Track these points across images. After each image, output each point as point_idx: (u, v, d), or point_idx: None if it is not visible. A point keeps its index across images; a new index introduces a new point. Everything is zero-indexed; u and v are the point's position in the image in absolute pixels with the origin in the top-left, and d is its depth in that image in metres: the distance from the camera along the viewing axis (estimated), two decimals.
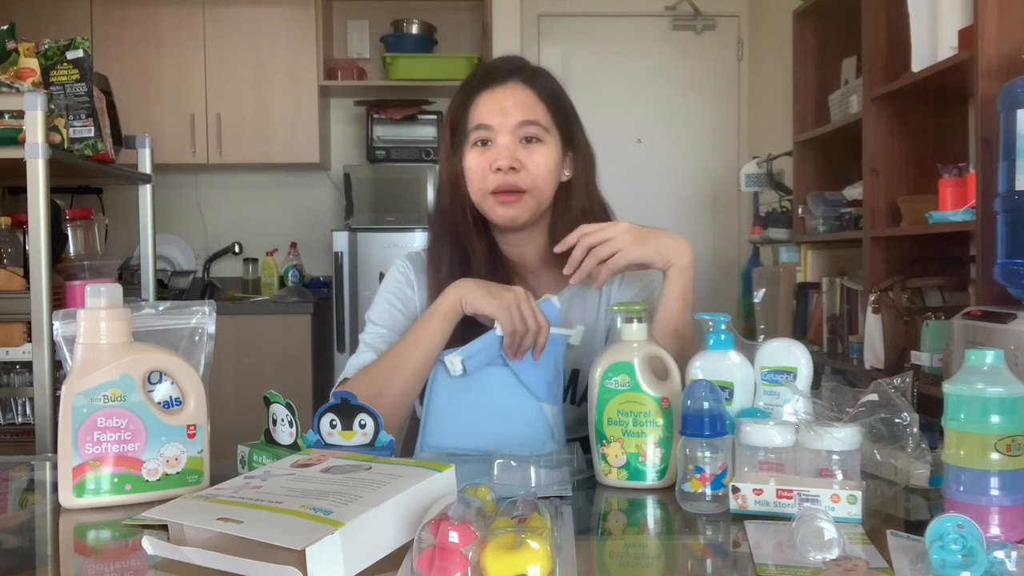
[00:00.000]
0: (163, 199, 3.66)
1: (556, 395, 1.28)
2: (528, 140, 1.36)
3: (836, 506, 0.91)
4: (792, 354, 1.10)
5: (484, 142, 1.37)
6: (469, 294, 1.27)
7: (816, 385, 1.11)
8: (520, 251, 1.44)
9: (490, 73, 1.40)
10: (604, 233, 1.28)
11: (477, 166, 1.37)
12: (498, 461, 1.09)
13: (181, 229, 4.43)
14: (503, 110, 1.36)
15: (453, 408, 1.28)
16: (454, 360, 1.25)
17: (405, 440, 1.51)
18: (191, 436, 1.03)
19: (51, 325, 1.78)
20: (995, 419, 0.84)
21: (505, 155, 1.34)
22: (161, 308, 1.14)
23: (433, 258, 1.43)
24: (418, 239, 3.99)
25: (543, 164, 1.36)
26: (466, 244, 1.40)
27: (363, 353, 1.39)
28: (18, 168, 1.93)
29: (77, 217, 2.40)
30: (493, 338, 1.25)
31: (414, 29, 4.32)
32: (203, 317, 1.15)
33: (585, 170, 1.44)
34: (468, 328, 1.29)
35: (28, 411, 2.28)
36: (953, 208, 2.27)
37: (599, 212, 1.45)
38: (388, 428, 1.11)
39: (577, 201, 1.42)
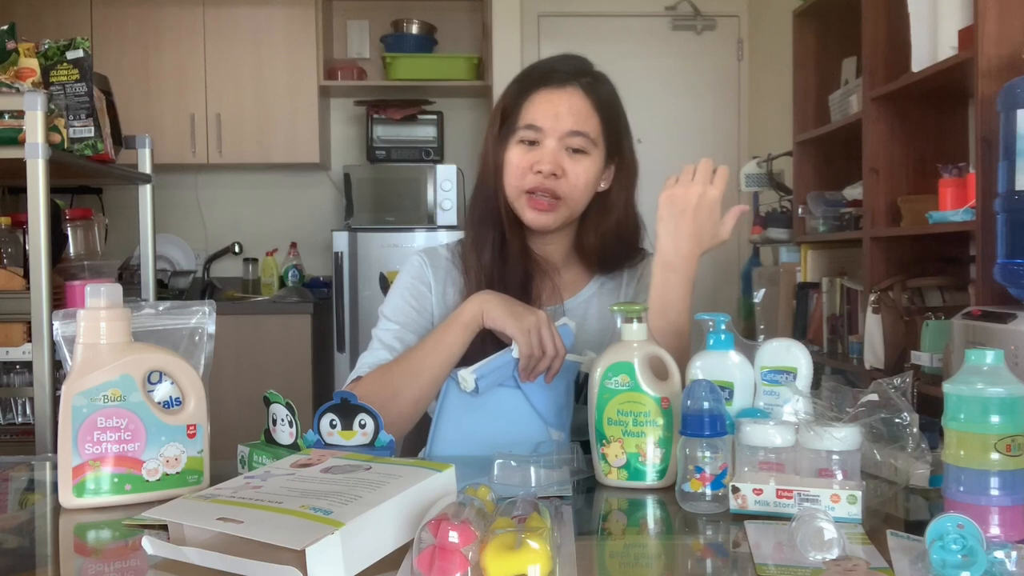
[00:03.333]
0: (163, 199, 3.67)
1: (565, 421, 1.28)
2: (574, 150, 1.36)
3: (836, 506, 0.91)
4: (792, 354, 1.10)
5: (531, 141, 1.36)
6: (492, 309, 1.27)
7: (816, 385, 1.11)
8: (544, 249, 1.45)
9: (550, 72, 1.38)
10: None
11: (519, 163, 1.36)
12: (498, 461, 1.09)
13: (181, 229, 4.43)
14: (557, 114, 1.35)
15: (462, 428, 1.28)
16: (467, 376, 1.24)
17: (407, 447, 1.51)
18: (191, 436, 1.03)
19: (51, 325, 1.78)
20: (995, 419, 0.84)
21: (549, 159, 1.34)
22: (161, 308, 1.13)
23: (476, 241, 1.41)
24: (418, 239, 3.99)
25: (584, 176, 1.36)
26: (506, 232, 1.40)
27: (376, 351, 1.38)
28: (18, 168, 1.93)
29: (77, 217, 2.40)
30: (508, 359, 1.25)
31: (414, 29, 4.32)
32: (203, 317, 1.15)
33: (627, 184, 1.44)
34: (485, 341, 1.29)
35: (28, 411, 2.28)
36: (953, 208, 2.27)
37: (633, 227, 1.46)
38: (398, 432, 1.10)
39: (614, 214, 1.43)
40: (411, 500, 0.82)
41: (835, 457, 0.94)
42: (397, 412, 1.24)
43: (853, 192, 2.90)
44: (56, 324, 1.08)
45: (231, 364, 3.73)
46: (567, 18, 4.38)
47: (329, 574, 0.73)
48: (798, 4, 3.24)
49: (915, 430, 1.07)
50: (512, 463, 1.08)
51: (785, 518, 0.89)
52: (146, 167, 2.52)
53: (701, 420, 0.97)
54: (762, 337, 1.53)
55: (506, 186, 1.38)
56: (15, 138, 1.94)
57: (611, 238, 1.43)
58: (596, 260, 1.44)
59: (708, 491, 0.97)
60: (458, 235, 1.65)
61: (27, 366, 2.09)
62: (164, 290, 4.09)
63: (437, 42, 4.41)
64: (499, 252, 1.39)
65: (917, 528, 0.83)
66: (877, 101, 2.67)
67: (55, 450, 1.02)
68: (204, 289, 4.29)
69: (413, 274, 1.46)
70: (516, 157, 1.37)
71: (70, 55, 2.08)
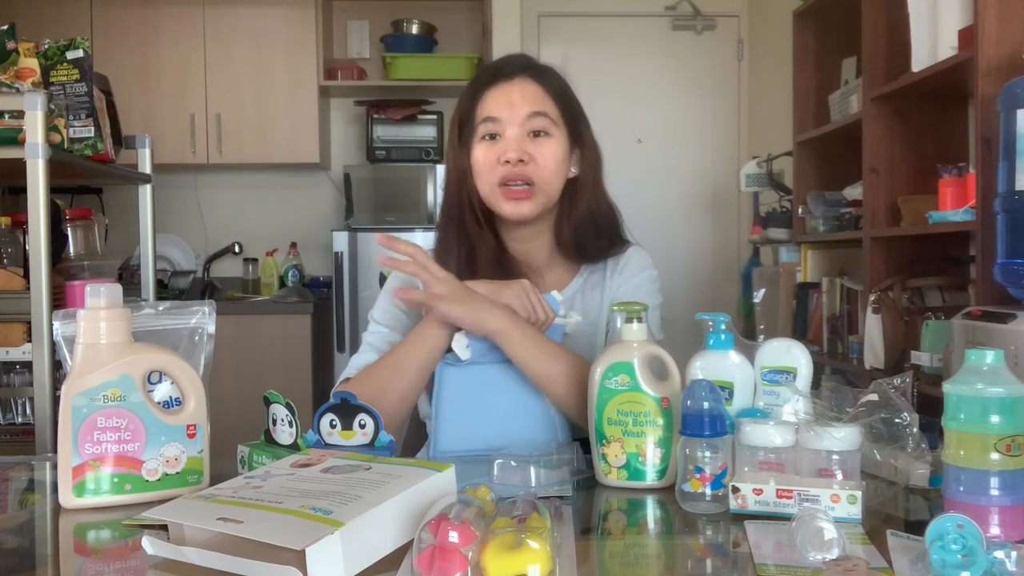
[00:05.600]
0: (163, 199, 3.67)
1: None
2: (537, 133, 1.36)
3: (836, 506, 0.91)
4: (792, 354, 1.10)
5: (492, 135, 1.37)
6: (477, 289, 1.28)
7: (816, 385, 1.11)
8: (525, 248, 1.45)
9: (498, 70, 1.40)
10: (433, 271, 1.26)
11: (485, 158, 1.37)
12: (498, 461, 1.09)
13: (181, 229, 4.43)
14: (511, 103, 1.36)
15: (462, 413, 1.29)
16: (460, 338, 1.27)
17: (407, 447, 1.51)
18: (191, 436, 1.03)
19: (51, 325, 1.78)
20: (995, 419, 0.84)
21: (514, 147, 1.35)
22: (161, 308, 1.13)
23: (441, 255, 1.43)
24: (418, 239, 3.99)
25: (551, 157, 1.37)
26: (473, 240, 1.40)
27: (365, 352, 1.39)
28: (18, 168, 1.93)
29: (77, 217, 2.40)
30: None
31: (414, 29, 4.32)
32: (203, 317, 1.15)
33: (593, 168, 1.44)
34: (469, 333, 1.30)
35: (28, 411, 2.28)
36: (953, 208, 2.27)
37: (606, 210, 1.46)
38: (388, 428, 1.11)
39: (585, 199, 1.43)
40: (411, 500, 0.82)
41: (835, 457, 0.94)
42: (385, 408, 1.24)
43: (853, 192, 2.90)
44: (56, 324, 1.08)
45: (231, 364, 3.73)
46: (567, 18, 4.38)
47: (329, 574, 0.73)
48: (798, 4, 3.24)
49: (915, 430, 1.07)
50: (512, 463, 1.08)
51: (785, 518, 0.89)
52: (146, 167, 2.52)
53: (701, 420, 0.97)
54: (762, 337, 1.53)
55: (479, 186, 1.39)
56: (15, 138, 1.94)
57: (587, 225, 1.43)
58: (576, 251, 1.44)
59: (708, 491, 0.97)
60: None
61: (27, 366, 2.09)
62: (164, 290, 4.09)
63: (437, 42, 4.41)
64: (465, 263, 1.39)
65: (917, 528, 0.83)
66: (877, 101, 2.67)
67: (55, 450, 1.02)
68: (204, 289, 4.29)
69: (402, 278, 1.46)
70: (481, 154, 1.37)
71: (70, 55, 2.08)
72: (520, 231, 1.43)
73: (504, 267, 1.40)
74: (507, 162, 1.35)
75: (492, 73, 1.40)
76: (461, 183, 1.41)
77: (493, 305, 1.26)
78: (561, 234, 1.44)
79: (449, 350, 1.29)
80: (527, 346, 1.25)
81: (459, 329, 1.28)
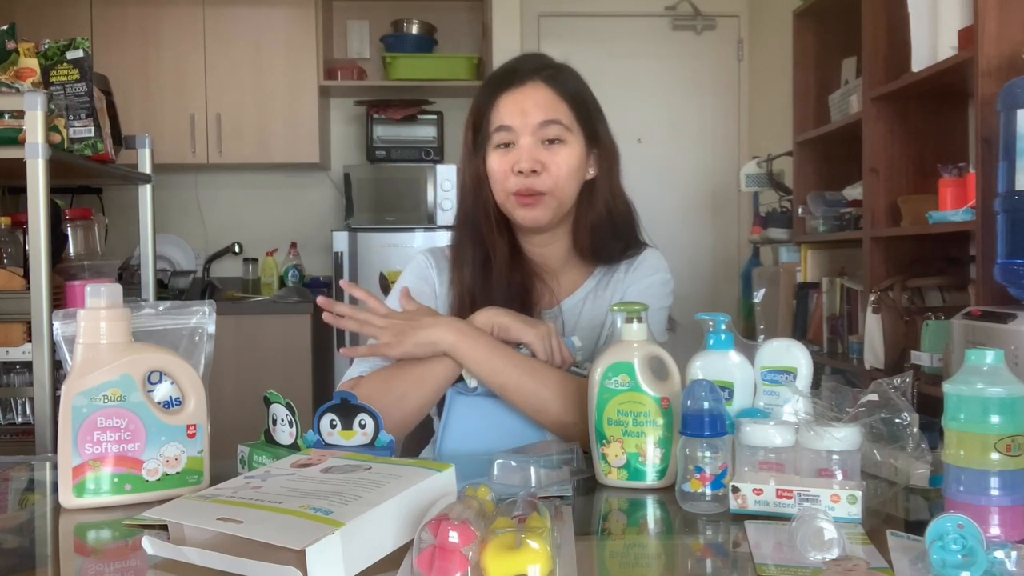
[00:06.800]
0: (163, 199, 3.67)
1: None
2: (551, 141, 1.36)
3: (836, 506, 0.91)
4: (792, 354, 1.10)
5: (506, 144, 1.37)
6: (502, 321, 1.28)
7: (816, 385, 1.11)
8: (542, 252, 1.45)
9: (511, 73, 1.39)
10: (374, 322, 1.27)
11: (499, 167, 1.37)
12: (498, 461, 1.09)
13: (181, 229, 4.43)
14: (524, 111, 1.35)
15: (467, 436, 1.29)
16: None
17: (408, 447, 1.51)
18: (191, 436, 1.03)
19: (51, 325, 1.78)
20: (995, 419, 0.84)
21: (526, 157, 1.34)
22: (161, 308, 1.13)
23: (456, 259, 1.43)
24: (418, 239, 3.99)
25: (564, 165, 1.36)
26: (488, 246, 1.40)
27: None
28: (18, 168, 1.93)
29: (77, 217, 2.40)
30: None
31: (414, 29, 4.32)
32: (203, 317, 1.15)
33: (609, 167, 1.43)
34: None
35: (28, 411, 2.28)
36: (953, 208, 2.27)
37: (623, 209, 1.45)
38: (399, 434, 1.11)
39: (602, 198, 1.42)
40: (411, 500, 0.82)
41: (835, 457, 0.94)
42: (401, 416, 1.24)
43: (853, 192, 2.90)
44: (56, 324, 1.08)
45: (231, 364, 3.73)
46: (567, 18, 4.38)
47: (329, 574, 0.73)
48: (798, 4, 3.25)
49: (915, 430, 1.07)
50: (512, 463, 1.08)
51: (785, 518, 0.89)
52: (146, 167, 2.52)
53: (701, 420, 0.97)
54: (762, 337, 1.53)
55: (495, 192, 1.39)
56: (15, 138, 1.94)
57: (604, 226, 1.43)
58: (592, 253, 1.44)
59: (708, 491, 0.97)
60: None
61: (27, 366, 2.09)
62: (164, 290, 4.09)
63: (437, 42, 4.41)
64: (480, 269, 1.39)
65: (917, 528, 0.83)
66: (877, 101, 2.67)
67: (55, 450, 1.02)
68: (204, 289, 4.29)
69: (417, 274, 1.46)
70: (496, 163, 1.37)
71: (70, 55, 2.08)
72: (538, 236, 1.43)
73: (519, 271, 1.40)
74: (520, 172, 1.34)
75: (504, 76, 1.39)
76: (477, 189, 1.40)
77: (436, 325, 1.25)
78: (579, 237, 1.44)
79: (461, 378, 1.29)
80: (477, 359, 1.24)
81: None
